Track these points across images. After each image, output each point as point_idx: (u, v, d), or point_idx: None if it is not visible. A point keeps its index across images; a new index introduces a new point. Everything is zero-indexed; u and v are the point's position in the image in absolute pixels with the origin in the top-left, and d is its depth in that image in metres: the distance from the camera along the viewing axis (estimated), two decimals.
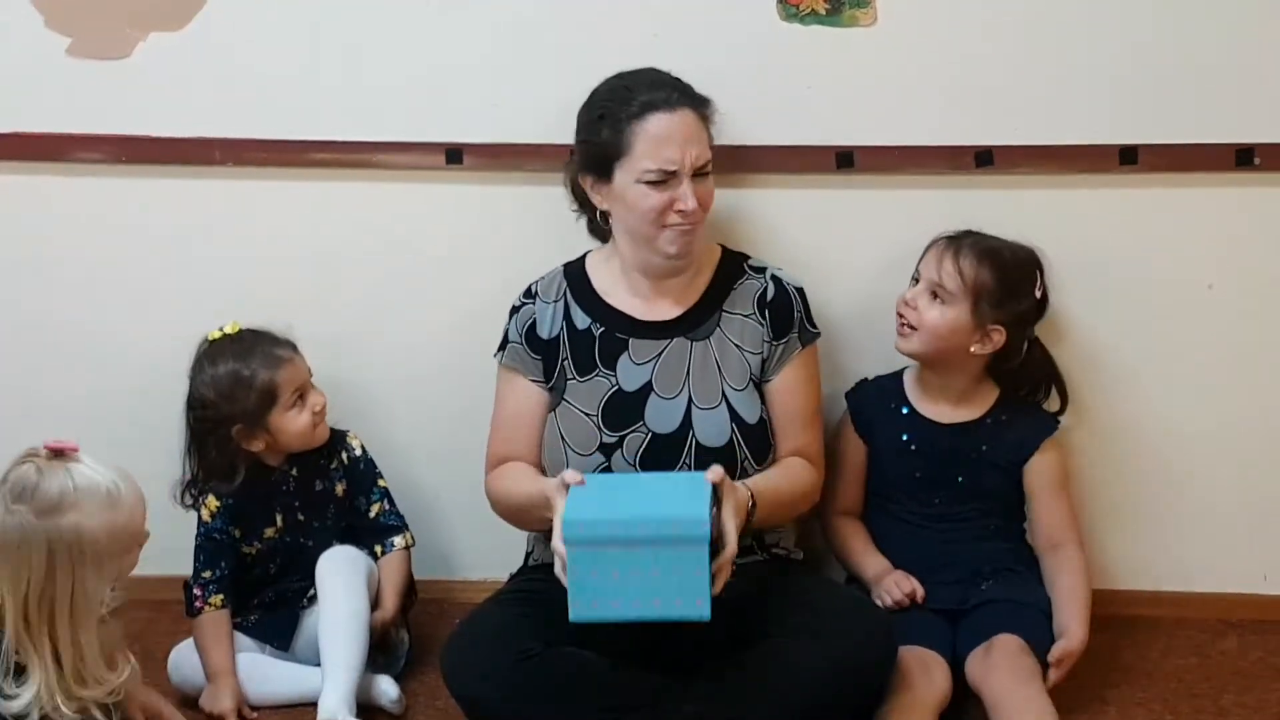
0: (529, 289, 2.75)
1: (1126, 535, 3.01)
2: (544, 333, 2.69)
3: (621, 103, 2.57)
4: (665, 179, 2.54)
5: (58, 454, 2.29)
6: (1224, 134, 2.79)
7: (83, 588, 2.23)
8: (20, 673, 2.24)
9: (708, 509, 2.32)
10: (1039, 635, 2.63)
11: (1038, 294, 2.73)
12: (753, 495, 2.50)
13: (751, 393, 2.66)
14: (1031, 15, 2.77)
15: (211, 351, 2.76)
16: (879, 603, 2.67)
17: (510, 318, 2.74)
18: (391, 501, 2.91)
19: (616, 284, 2.71)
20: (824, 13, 2.79)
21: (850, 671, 2.41)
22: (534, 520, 2.56)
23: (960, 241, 2.72)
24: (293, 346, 2.79)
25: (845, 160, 2.84)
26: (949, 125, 2.82)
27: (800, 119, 2.82)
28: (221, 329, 2.79)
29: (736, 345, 2.67)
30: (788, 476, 2.65)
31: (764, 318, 2.68)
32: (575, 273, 2.74)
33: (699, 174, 2.56)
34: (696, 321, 2.67)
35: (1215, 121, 2.78)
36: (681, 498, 2.36)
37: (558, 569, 2.36)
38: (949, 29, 2.78)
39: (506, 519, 2.70)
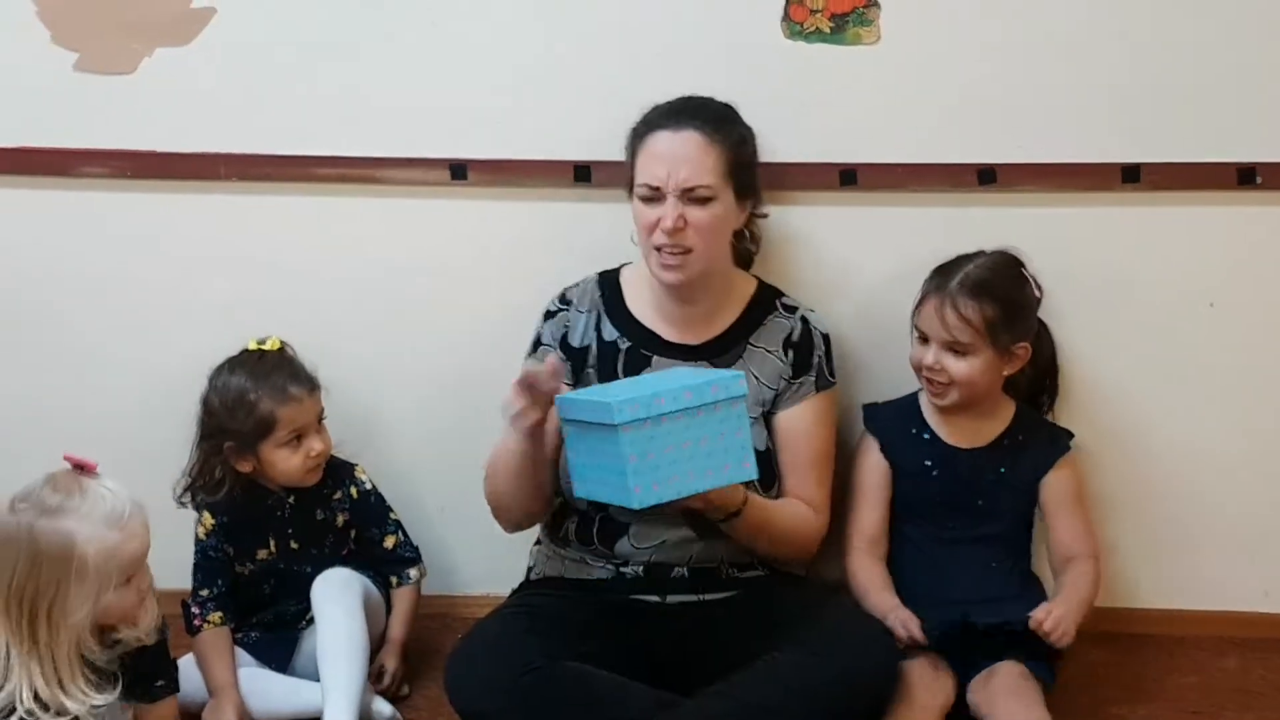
0: (563, 295, 2.75)
1: (1127, 552, 3.01)
2: (575, 341, 2.70)
3: (642, 123, 2.62)
4: (653, 195, 2.56)
5: (77, 468, 2.29)
6: (1226, 153, 2.80)
7: (64, 598, 2.21)
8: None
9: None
10: (1039, 658, 2.62)
11: (1037, 293, 2.73)
12: (746, 498, 2.50)
13: (760, 422, 2.66)
14: (1034, 34, 2.78)
15: (236, 360, 2.77)
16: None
17: (544, 320, 2.74)
18: (405, 533, 2.91)
19: (648, 302, 2.71)
20: (828, 31, 2.80)
21: (851, 686, 2.42)
22: (523, 469, 2.54)
23: (946, 288, 2.67)
24: (311, 385, 2.78)
25: (848, 177, 2.85)
26: (952, 143, 2.83)
27: (804, 136, 2.83)
28: (261, 341, 2.79)
29: (755, 376, 2.66)
30: (785, 508, 2.64)
31: (786, 356, 2.69)
32: (609, 284, 2.75)
33: (694, 200, 2.56)
34: (721, 349, 2.67)
35: (1218, 140, 2.79)
36: (701, 374, 2.41)
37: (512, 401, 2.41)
38: (952, 47, 2.80)
39: (500, 492, 2.64)
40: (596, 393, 2.42)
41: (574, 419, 2.41)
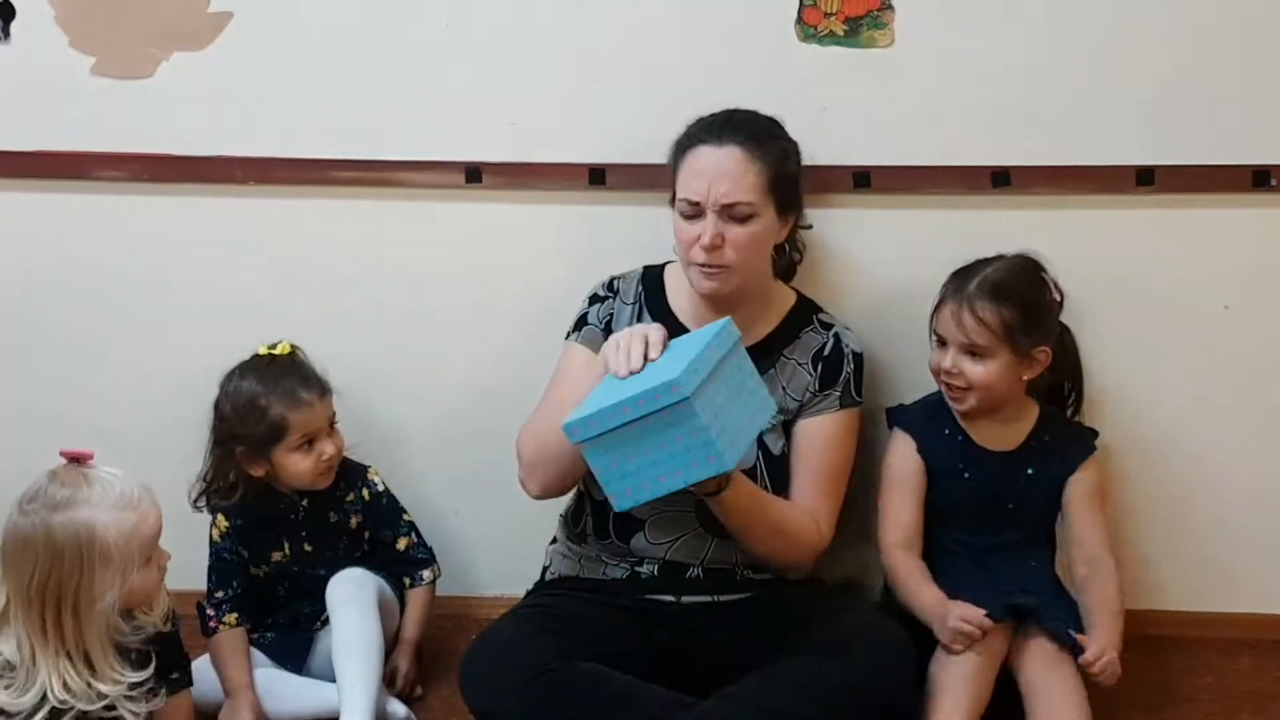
0: (611, 283, 2.75)
1: (1141, 554, 3.01)
2: (617, 330, 2.70)
3: (685, 136, 2.61)
4: (693, 210, 2.56)
5: (74, 460, 2.31)
6: (1241, 155, 2.79)
7: (89, 584, 2.23)
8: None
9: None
10: (1065, 627, 2.61)
11: (1058, 297, 2.72)
12: (732, 473, 2.47)
13: (779, 429, 2.66)
14: (1048, 36, 2.78)
15: (247, 366, 2.79)
16: (951, 645, 2.57)
17: (590, 304, 2.74)
18: (419, 535, 2.92)
19: (687, 305, 2.71)
20: (842, 34, 2.80)
21: (867, 690, 2.42)
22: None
23: (964, 291, 2.67)
24: (322, 389, 2.78)
25: (862, 180, 2.85)
26: (966, 146, 2.83)
27: (818, 139, 2.80)
28: (272, 346, 2.80)
29: (783, 387, 2.67)
30: (782, 503, 2.63)
31: (815, 370, 2.69)
32: (653, 280, 2.75)
33: (734, 217, 2.55)
34: (754, 360, 2.59)
35: (1232, 143, 2.79)
36: (704, 333, 2.42)
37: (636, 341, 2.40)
38: (966, 50, 2.80)
39: (539, 455, 2.59)
40: (635, 384, 2.34)
41: (606, 430, 2.31)
